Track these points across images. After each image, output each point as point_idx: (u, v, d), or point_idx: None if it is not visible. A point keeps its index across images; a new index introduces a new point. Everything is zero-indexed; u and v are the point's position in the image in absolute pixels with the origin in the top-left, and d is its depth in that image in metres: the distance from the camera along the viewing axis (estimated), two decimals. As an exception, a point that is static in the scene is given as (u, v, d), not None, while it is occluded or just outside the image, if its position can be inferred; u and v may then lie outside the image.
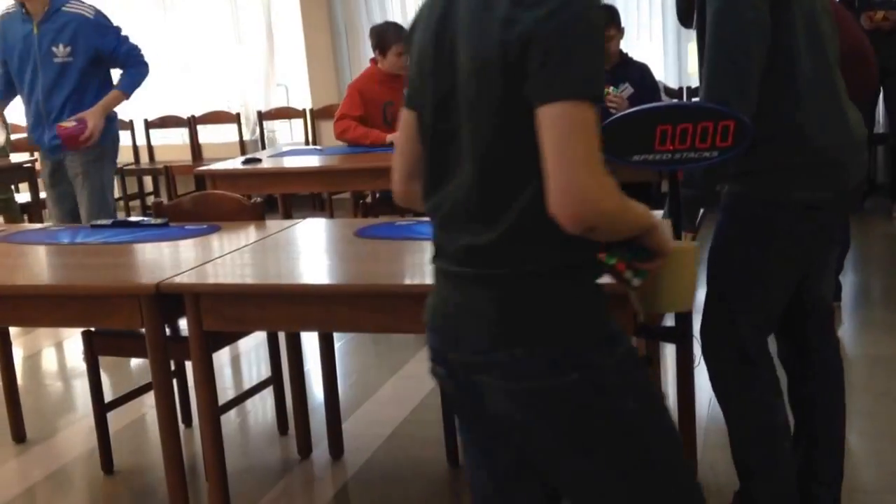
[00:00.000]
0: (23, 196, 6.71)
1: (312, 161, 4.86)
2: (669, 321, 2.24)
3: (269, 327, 2.90)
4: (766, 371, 2.21)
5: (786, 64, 2.01)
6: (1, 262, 2.90)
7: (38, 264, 2.86)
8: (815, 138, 2.05)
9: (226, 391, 3.63)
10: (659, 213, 2.33)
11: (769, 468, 2.21)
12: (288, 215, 4.94)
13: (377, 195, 5.32)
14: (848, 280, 4.46)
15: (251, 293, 2.40)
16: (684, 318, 2.25)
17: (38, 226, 3.52)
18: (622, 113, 1.96)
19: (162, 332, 2.50)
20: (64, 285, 2.56)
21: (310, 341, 3.14)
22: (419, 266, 2.54)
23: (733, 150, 1.86)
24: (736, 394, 2.23)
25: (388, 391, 3.65)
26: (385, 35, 4.96)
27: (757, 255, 2.12)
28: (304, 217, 3.36)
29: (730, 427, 2.29)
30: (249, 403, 3.44)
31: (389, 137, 4.69)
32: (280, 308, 2.38)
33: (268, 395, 3.35)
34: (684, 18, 2.24)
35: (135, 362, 3.93)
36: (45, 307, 2.55)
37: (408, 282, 2.39)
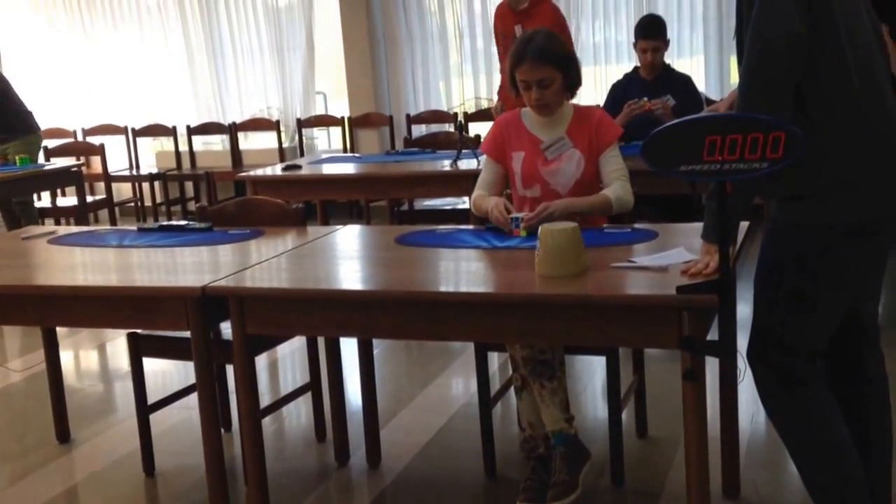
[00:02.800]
0: (69, 200, 6.84)
1: (351, 168, 4.90)
2: (713, 335, 2.22)
3: (311, 332, 2.93)
4: (820, 392, 2.18)
5: (834, 84, 2.00)
6: (51, 264, 2.95)
7: (87, 266, 2.91)
8: (869, 160, 2.03)
9: (263, 395, 3.66)
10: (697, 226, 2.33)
11: (839, 487, 2.17)
12: (326, 222, 4.98)
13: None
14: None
15: (295, 298, 2.42)
16: (728, 333, 2.23)
17: (87, 228, 3.57)
18: (670, 123, 1.95)
19: (207, 334, 2.53)
20: (112, 287, 2.60)
21: (345, 348, 3.15)
22: (459, 273, 2.55)
23: (784, 162, 1.83)
24: (791, 418, 2.20)
25: (425, 399, 3.65)
26: None
27: (809, 281, 2.09)
28: (341, 224, 3.38)
29: (791, 452, 2.25)
30: (286, 409, 3.46)
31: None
32: (323, 313, 2.40)
33: (303, 400, 3.37)
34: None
35: (173, 364, 3.97)
36: (93, 309, 2.59)
37: (448, 289, 2.39)
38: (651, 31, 4.67)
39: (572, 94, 2.93)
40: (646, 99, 4.43)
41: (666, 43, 4.72)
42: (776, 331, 2.16)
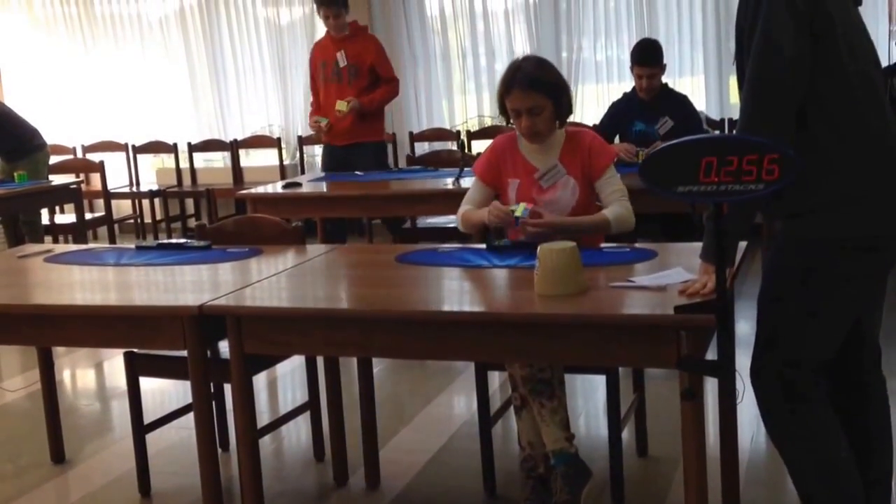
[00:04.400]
0: (68, 217, 6.84)
1: (352, 186, 4.89)
2: (712, 354, 2.21)
3: (310, 351, 2.91)
4: (821, 407, 2.17)
5: (836, 99, 2.01)
6: (47, 283, 2.94)
7: (84, 285, 2.90)
8: (874, 174, 2.03)
9: (261, 415, 3.64)
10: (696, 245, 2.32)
11: None
12: (326, 240, 4.97)
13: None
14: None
15: (293, 317, 2.41)
16: (726, 353, 2.22)
17: (84, 246, 3.57)
18: (667, 144, 1.95)
19: (204, 354, 2.52)
20: (109, 306, 2.59)
21: (344, 367, 3.14)
22: (459, 292, 2.54)
23: (779, 184, 1.84)
24: (792, 433, 2.18)
25: (424, 419, 3.63)
26: None
27: (815, 296, 2.09)
28: (342, 241, 3.37)
29: (790, 468, 2.24)
30: (284, 428, 3.44)
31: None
32: (322, 332, 2.39)
33: (302, 420, 3.35)
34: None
35: (170, 383, 3.96)
36: (89, 328, 2.59)
37: (448, 308, 2.38)
38: (645, 59, 4.69)
39: (563, 121, 2.92)
40: (645, 152, 4.36)
41: (662, 68, 4.74)
42: (780, 344, 2.15)
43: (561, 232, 2.70)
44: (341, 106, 5.33)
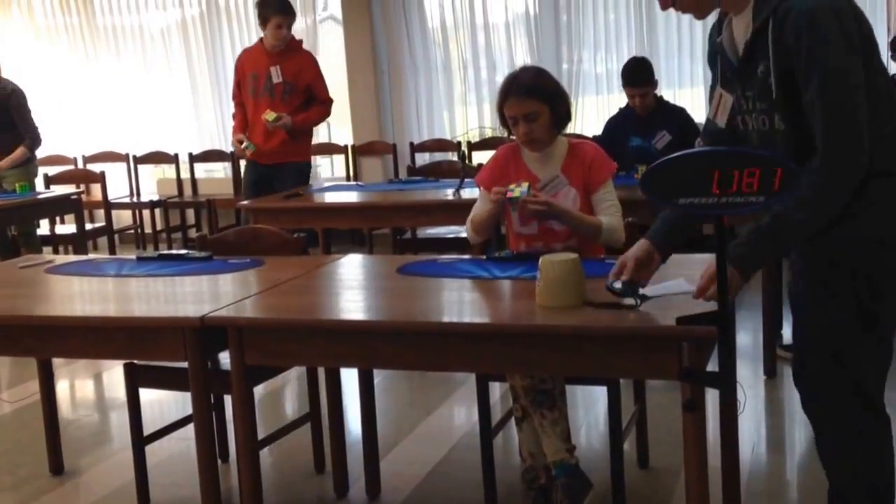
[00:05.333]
0: (69, 227, 6.84)
1: (353, 197, 4.90)
2: (713, 366, 2.20)
3: (311, 363, 2.91)
4: (887, 421, 2.12)
5: (876, 107, 2.01)
6: (47, 294, 2.94)
7: (84, 296, 2.90)
8: None
9: (261, 426, 3.62)
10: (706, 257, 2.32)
11: None
12: (328, 250, 4.98)
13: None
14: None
15: (295, 328, 2.41)
16: (728, 364, 2.22)
17: (85, 257, 3.56)
18: (669, 157, 1.95)
19: (205, 365, 2.52)
20: (109, 317, 2.59)
21: (345, 378, 3.14)
22: (460, 303, 2.54)
23: (780, 196, 1.84)
24: (855, 447, 2.12)
25: (425, 430, 3.63)
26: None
27: (873, 297, 2.04)
28: (343, 252, 3.38)
29: (840, 485, 2.18)
30: (285, 439, 3.43)
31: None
32: (323, 344, 2.39)
33: (302, 431, 3.34)
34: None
35: (170, 394, 3.95)
36: (90, 339, 2.58)
37: (449, 319, 2.38)
38: (634, 80, 4.71)
39: (561, 129, 2.94)
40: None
41: (654, 85, 4.75)
42: (843, 357, 2.08)
43: (555, 217, 2.80)
44: (270, 116, 5.10)
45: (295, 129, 5.20)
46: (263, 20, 5.20)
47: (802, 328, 2.19)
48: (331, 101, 5.42)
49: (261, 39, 5.32)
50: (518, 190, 2.77)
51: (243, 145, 5.24)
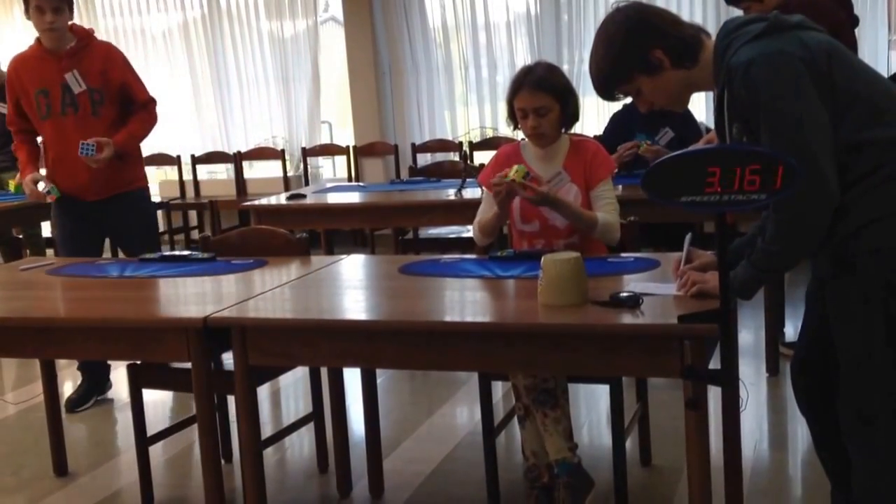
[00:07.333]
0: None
1: (355, 197, 4.91)
2: (714, 364, 2.21)
3: (314, 363, 2.92)
4: None
5: (867, 120, 2.01)
6: (51, 295, 2.95)
7: (87, 297, 2.90)
8: None
9: (264, 426, 3.64)
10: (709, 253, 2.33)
11: None
12: (330, 251, 4.99)
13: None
14: None
15: (298, 328, 2.42)
16: (730, 362, 2.22)
17: (87, 259, 3.57)
18: (671, 154, 1.96)
19: (208, 366, 2.53)
20: (112, 318, 2.59)
21: (348, 378, 3.14)
22: (463, 303, 2.54)
23: (781, 194, 1.84)
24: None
25: (428, 429, 3.63)
26: None
27: None
28: (346, 252, 3.38)
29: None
30: (288, 439, 3.44)
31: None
32: (326, 344, 2.39)
33: (305, 431, 3.35)
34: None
35: (173, 394, 3.96)
36: (93, 340, 2.59)
37: (452, 319, 2.39)
38: None
39: (568, 128, 2.95)
40: (647, 142, 4.42)
41: None
42: (887, 367, 2.02)
43: (551, 204, 2.79)
44: (87, 150, 3.69)
45: (122, 151, 3.85)
46: (25, 3, 3.77)
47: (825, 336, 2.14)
48: (154, 100, 4.10)
49: (37, 40, 3.86)
50: (513, 172, 2.75)
51: (43, 189, 3.89)
